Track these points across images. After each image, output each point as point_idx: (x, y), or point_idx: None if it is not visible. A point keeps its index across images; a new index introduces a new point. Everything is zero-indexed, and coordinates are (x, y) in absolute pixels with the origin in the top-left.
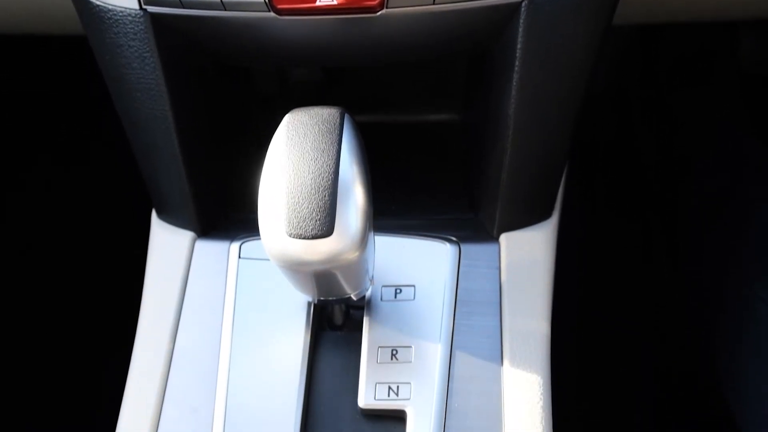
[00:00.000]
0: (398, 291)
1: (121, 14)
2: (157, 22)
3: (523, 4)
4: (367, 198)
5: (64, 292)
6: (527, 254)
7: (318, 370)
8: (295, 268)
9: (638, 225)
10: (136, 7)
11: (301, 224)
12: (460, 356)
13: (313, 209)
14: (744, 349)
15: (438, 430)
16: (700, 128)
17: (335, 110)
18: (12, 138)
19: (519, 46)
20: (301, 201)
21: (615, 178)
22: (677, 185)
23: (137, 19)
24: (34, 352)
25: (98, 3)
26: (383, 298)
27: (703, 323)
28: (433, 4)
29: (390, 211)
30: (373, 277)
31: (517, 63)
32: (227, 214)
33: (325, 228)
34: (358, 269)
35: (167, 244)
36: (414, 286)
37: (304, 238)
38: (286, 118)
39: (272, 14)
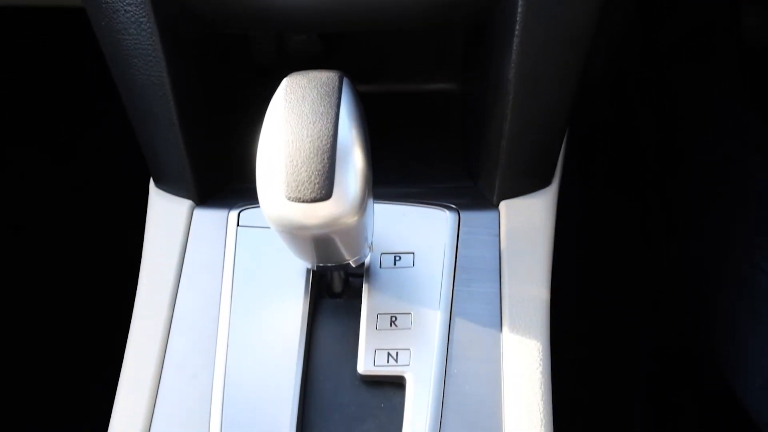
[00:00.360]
0: (397, 258)
1: None
2: None
3: None
4: (367, 162)
5: (63, 264)
6: (527, 221)
7: (317, 337)
8: (294, 233)
9: (637, 202)
10: None
11: (299, 188)
12: (459, 322)
13: (312, 173)
14: (744, 320)
15: (437, 395)
16: (699, 105)
17: (334, 74)
18: (7, 113)
19: (519, 9)
20: (299, 164)
21: (614, 157)
22: (676, 161)
23: None
24: (35, 320)
25: None
26: (382, 266)
27: (702, 295)
28: None
29: (389, 180)
30: (372, 243)
31: (517, 27)
32: (226, 183)
33: (324, 191)
34: (356, 234)
35: (165, 212)
36: (413, 253)
37: (303, 201)
38: (284, 82)
39: None
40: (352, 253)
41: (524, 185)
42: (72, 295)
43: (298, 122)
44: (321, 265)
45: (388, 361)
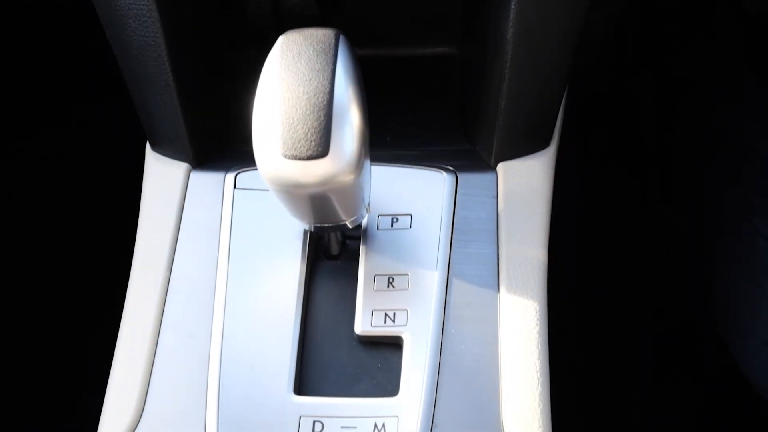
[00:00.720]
0: (395, 220)
1: None
2: None
3: None
4: (364, 120)
5: (61, 228)
6: (525, 183)
7: (314, 299)
8: (290, 192)
9: (636, 171)
10: None
11: (296, 145)
12: (456, 283)
13: (309, 130)
14: (741, 283)
15: (434, 354)
16: (699, 72)
17: (330, 31)
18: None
19: None
20: (295, 121)
21: (613, 126)
22: (675, 128)
23: None
24: (35, 286)
25: None
26: (380, 227)
27: (701, 260)
28: None
29: (386, 143)
30: (369, 205)
31: None
32: (222, 147)
33: (321, 149)
34: (353, 194)
35: (162, 175)
36: (411, 215)
37: (299, 159)
38: (280, 39)
39: None
40: (349, 213)
41: (522, 147)
42: (70, 258)
43: (294, 79)
44: (318, 225)
45: (385, 322)
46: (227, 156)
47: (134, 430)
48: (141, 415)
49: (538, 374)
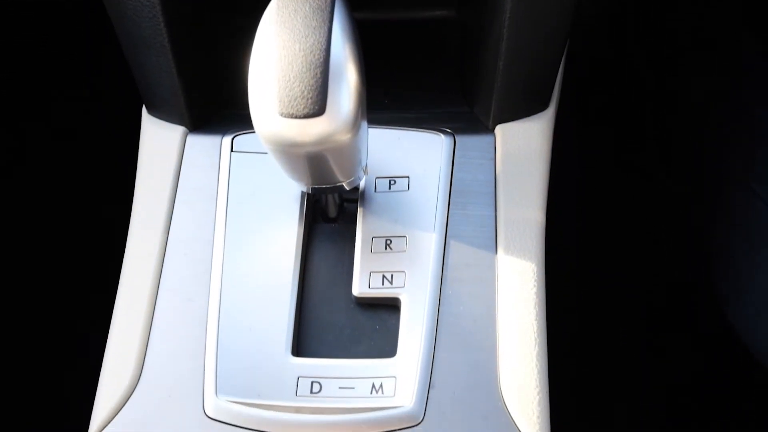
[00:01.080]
0: (392, 182)
1: None
2: None
3: None
4: (360, 79)
5: (58, 192)
6: (523, 145)
7: (312, 262)
8: (287, 151)
9: (635, 135)
10: None
11: (292, 103)
12: (454, 245)
13: (305, 88)
14: (739, 247)
15: (432, 316)
16: (698, 39)
17: None
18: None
19: None
20: (292, 79)
21: (613, 94)
22: (674, 95)
23: None
24: (32, 251)
25: None
26: (377, 190)
27: (699, 225)
28: None
29: (384, 105)
30: (366, 167)
31: None
32: (219, 110)
33: (317, 107)
34: (350, 154)
35: (158, 139)
36: (408, 177)
37: (296, 117)
38: None
39: None
40: (346, 174)
41: (521, 109)
42: (67, 223)
43: (290, 37)
44: (315, 187)
45: (383, 284)
46: (224, 119)
47: (132, 392)
48: (139, 378)
49: (536, 335)
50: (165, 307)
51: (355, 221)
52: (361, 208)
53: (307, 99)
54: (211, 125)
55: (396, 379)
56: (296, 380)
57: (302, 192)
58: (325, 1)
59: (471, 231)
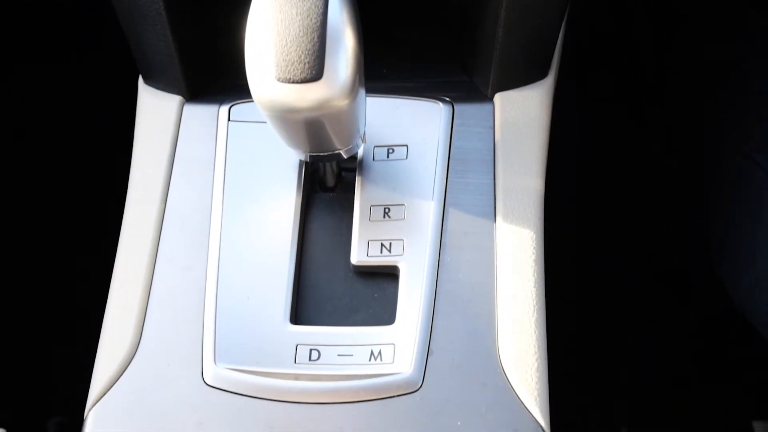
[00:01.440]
0: (391, 151)
1: None
2: None
3: None
4: (358, 44)
5: (55, 163)
6: (522, 113)
7: (310, 230)
8: (285, 117)
9: (634, 107)
10: None
11: (289, 68)
12: (453, 213)
13: (302, 52)
14: (738, 215)
15: (430, 283)
16: (699, 8)
17: None
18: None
19: None
20: (288, 44)
21: (613, 66)
22: (675, 64)
23: None
24: (29, 221)
25: None
26: (375, 158)
27: (699, 194)
28: None
29: (382, 75)
30: (364, 135)
31: None
32: (216, 80)
33: (314, 71)
34: (348, 120)
35: (155, 108)
36: (407, 145)
37: (293, 82)
38: None
39: None
40: (343, 141)
41: (520, 77)
42: (65, 193)
43: (287, 1)
44: (313, 155)
45: (381, 252)
46: (221, 88)
47: (131, 361)
48: (137, 347)
49: (534, 302)
50: (163, 277)
51: (353, 190)
52: (360, 177)
53: (304, 63)
54: (208, 94)
55: (395, 346)
56: (295, 348)
57: (300, 161)
58: None
59: (470, 199)
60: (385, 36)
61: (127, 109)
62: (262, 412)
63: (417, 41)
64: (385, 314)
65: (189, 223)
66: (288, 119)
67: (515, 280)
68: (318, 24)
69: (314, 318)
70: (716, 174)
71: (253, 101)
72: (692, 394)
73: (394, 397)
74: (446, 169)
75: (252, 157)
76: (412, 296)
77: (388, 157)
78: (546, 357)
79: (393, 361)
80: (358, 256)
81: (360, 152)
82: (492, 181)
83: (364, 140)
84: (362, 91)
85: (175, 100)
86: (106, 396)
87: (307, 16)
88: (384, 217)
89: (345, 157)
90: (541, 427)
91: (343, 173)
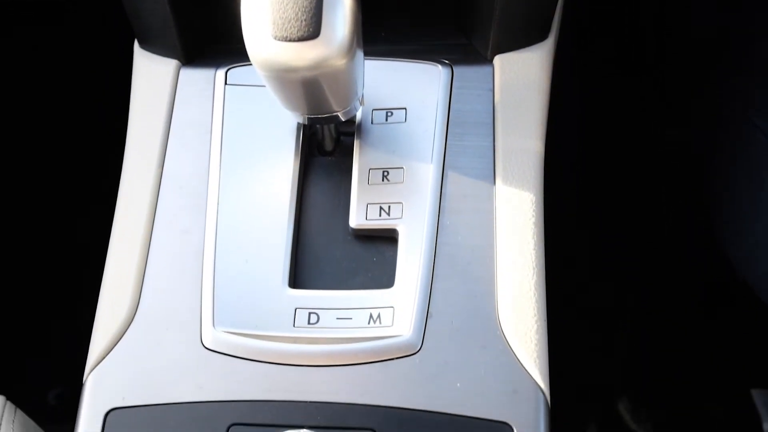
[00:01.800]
0: (389, 114)
1: None
2: None
3: None
4: (355, 2)
5: (51, 128)
6: (522, 75)
7: (309, 194)
8: (282, 76)
9: (635, 70)
10: None
11: (286, 26)
12: (452, 176)
13: (299, 9)
14: (739, 180)
15: (430, 246)
16: None
17: None
18: None
19: None
20: (285, 1)
21: (614, 34)
22: (676, 30)
23: None
24: (25, 185)
25: None
26: (374, 122)
27: (700, 160)
28: None
29: (380, 38)
30: (363, 97)
31: None
32: (212, 44)
33: (312, 29)
34: (346, 80)
35: (151, 72)
36: (405, 108)
37: (290, 40)
38: None
39: None
40: (341, 103)
41: (520, 38)
42: (60, 158)
43: None
44: (311, 116)
45: (380, 215)
46: (218, 52)
47: (129, 325)
48: (136, 311)
49: (534, 264)
50: (161, 241)
51: (351, 154)
52: (358, 140)
53: (301, 21)
54: (204, 58)
55: (394, 309)
56: (294, 311)
57: (298, 125)
58: None
59: (469, 162)
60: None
61: (124, 74)
62: (260, 375)
63: (416, 4)
64: (384, 278)
65: (186, 187)
66: (285, 79)
67: (515, 243)
68: None
69: (313, 282)
70: (717, 139)
71: (249, 65)
72: (691, 361)
73: (393, 359)
74: (445, 131)
75: (249, 121)
76: (411, 259)
77: (386, 120)
78: (545, 319)
79: (392, 324)
80: (356, 219)
81: (358, 115)
82: (491, 144)
83: (362, 103)
84: (360, 52)
85: (171, 64)
86: (105, 360)
87: None
88: (383, 180)
89: (343, 119)
90: (540, 389)
91: (342, 137)
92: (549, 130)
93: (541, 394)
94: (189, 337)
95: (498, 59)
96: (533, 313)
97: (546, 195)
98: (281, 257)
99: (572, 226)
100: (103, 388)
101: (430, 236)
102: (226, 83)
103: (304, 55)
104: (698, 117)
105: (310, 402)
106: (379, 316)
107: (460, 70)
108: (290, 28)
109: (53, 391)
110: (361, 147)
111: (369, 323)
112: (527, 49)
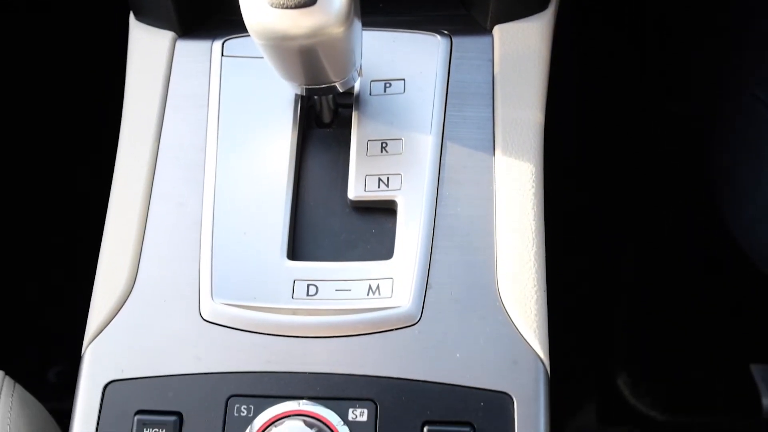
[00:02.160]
0: (388, 85)
1: None
2: None
3: None
4: None
5: (47, 101)
6: (522, 45)
7: (307, 166)
8: (279, 45)
9: (636, 39)
10: None
11: None
12: (451, 147)
13: None
14: (740, 150)
15: (429, 217)
16: None
17: None
18: None
19: None
20: None
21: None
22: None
23: None
24: (21, 159)
25: None
26: (372, 93)
27: (699, 130)
28: None
29: (378, 8)
30: (361, 68)
31: None
32: (208, 15)
33: None
34: (343, 49)
35: (146, 45)
36: (404, 79)
37: (287, 7)
38: None
39: None
40: (339, 73)
41: (519, 8)
42: (57, 131)
43: None
44: (308, 87)
45: (378, 187)
46: (214, 24)
47: (128, 298)
48: (134, 283)
49: (533, 234)
50: (158, 213)
51: (350, 126)
52: (356, 112)
53: None
54: (201, 30)
55: (393, 280)
56: (292, 283)
57: (296, 96)
58: None
59: (468, 133)
60: None
61: (119, 46)
62: (259, 346)
63: None
64: (383, 249)
65: (183, 159)
66: (282, 48)
67: (514, 214)
68: None
69: (311, 254)
70: (718, 112)
71: (246, 36)
72: (690, 335)
73: (392, 330)
74: (444, 102)
75: (247, 93)
76: (410, 231)
77: (385, 91)
78: (545, 290)
79: (391, 295)
80: (355, 191)
81: (356, 87)
82: (491, 115)
83: (360, 74)
84: (357, 21)
85: (167, 36)
86: (103, 332)
87: None
88: (381, 151)
89: (341, 90)
90: (540, 359)
91: (340, 109)
92: (549, 102)
93: (540, 364)
94: (187, 309)
95: (497, 29)
96: (533, 284)
97: (546, 166)
98: (279, 229)
99: (572, 196)
100: (101, 361)
101: (429, 207)
102: (222, 55)
103: (301, 22)
104: (699, 90)
105: (310, 373)
106: (378, 287)
107: (459, 41)
108: None
109: (54, 369)
110: (359, 118)
111: (368, 294)
112: (527, 19)
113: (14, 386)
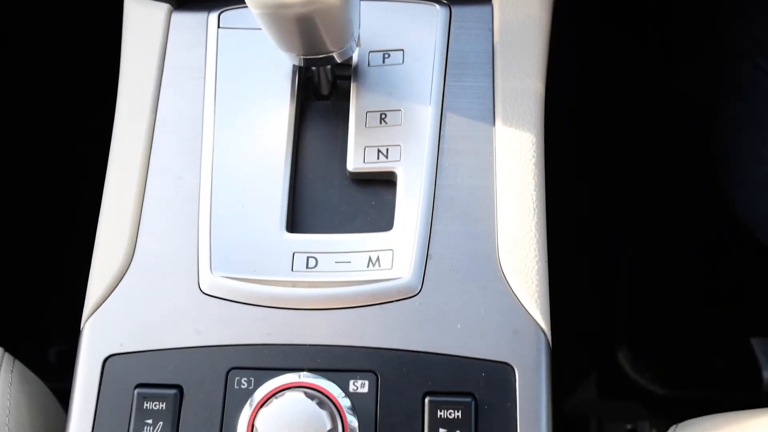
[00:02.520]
0: (386, 56)
1: None
2: None
3: None
4: None
5: (43, 77)
6: (522, 14)
7: (305, 139)
8: (276, 13)
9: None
10: None
11: None
12: (450, 117)
13: None
14: (742, 122)
15: (429, 188)
16: None
17: None
18: None
19: None
20: None
21: None
22: None
23: None
24: (18, 138)
25: None
26: (371, 64)
27: (701, 103)
28: None
29: None
30: (359, 38)
31: None
32: None
33: None
34: (341, 18)
35: (142, 17)
36: (403, 50)
37: None
38: None
39: None
40: (336, 42)
41: None
42: (53, 104)
43: None
44: (306, 57)
45: (378, 158)
46: None
47: (126, 272)
48: (132, 258)
49: (534, 204)
50: (156, 187)
51: (348, 98)
52: (355, 83)
53: None
54: (196, 2)
55: (393, 251)
56: (292, 256)
57: (293, 68)
58: None
59: (468, 103)
60: None
61: (114, 19)
62: (259, 319)
63: None
64: (382, 221)
65: (180, 132)
66: (279, 16)
67: (515, 184)
68: None
69: (311, 226)
70: (720, 83)
71: (242, 7)
72: (691, 309)
73: (393, 302)
74: (443, 73)
75: (244, 65)
76: (409, 202)
77: (383, 62)
78: (546, 260)
79: (391, 267)
80: (354, 162)
81: (355, 57)
82: (491, 85)
83: (358, 44)
84: None
85: (162, 8)
86: (102, 307)
87: None
88: (380, 123)
89: (339, 60)
90: (542, 329)
91: (338, 81)
92: (549, 73)
93: (542, 334)
94: (186, 283)
95: None
96: (534, 254)
97: (546, 138)
98: (278, 202)
99: (572, 169)
100: (100, 335)
101: (429, 178)
102: (219, 26)
103: None
104: (700, 62)
105: (310, 345)
106: (378, 259)
107: (459, 10)
108: None
109: (54, 348)
110: (357, 90)
111: (368, 266)
112: None
113: (14, 362)
